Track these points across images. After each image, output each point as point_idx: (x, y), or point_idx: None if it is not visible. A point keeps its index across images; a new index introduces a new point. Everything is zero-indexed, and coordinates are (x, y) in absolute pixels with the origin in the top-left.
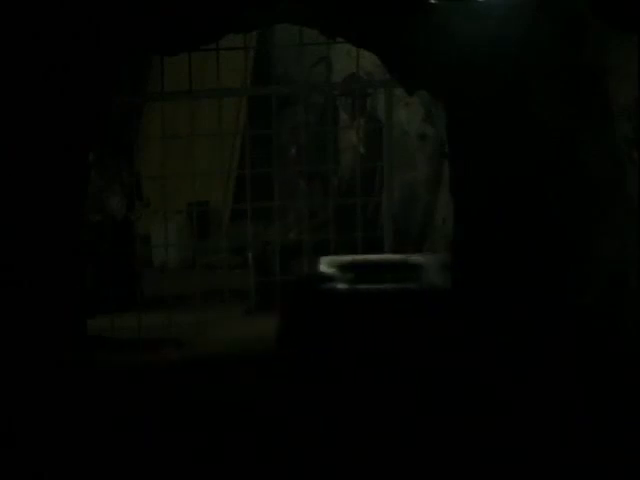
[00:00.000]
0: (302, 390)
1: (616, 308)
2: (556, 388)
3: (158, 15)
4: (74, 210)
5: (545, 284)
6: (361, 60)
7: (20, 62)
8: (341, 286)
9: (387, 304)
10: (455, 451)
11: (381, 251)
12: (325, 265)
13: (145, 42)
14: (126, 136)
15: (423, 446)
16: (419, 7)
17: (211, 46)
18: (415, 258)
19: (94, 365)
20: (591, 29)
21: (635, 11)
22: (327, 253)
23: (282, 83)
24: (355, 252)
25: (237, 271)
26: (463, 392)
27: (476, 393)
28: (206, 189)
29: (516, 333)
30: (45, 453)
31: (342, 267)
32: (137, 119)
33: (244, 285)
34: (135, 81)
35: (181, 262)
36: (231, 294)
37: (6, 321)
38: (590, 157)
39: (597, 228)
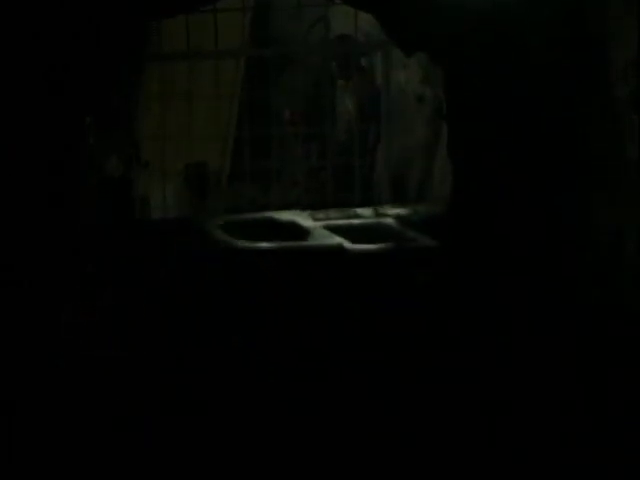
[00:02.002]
0: None
1: (616, 293)
2: (554, 378)
3: None
4: (73, 174)
5: (543, 269)
6: (359, 20)
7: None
8: None
9: None
10: None
11: None
12: None
13: (143, 4)
14: (125, 98)
15: None
16: None
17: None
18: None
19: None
20: None
21: None
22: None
23: (280, 44)
24: None
25: None
26: None
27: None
28: (204, 151)
29: (507, 319)
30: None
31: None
32: (136, 81)
33: None
34: (133, 43)
35: None
36: None
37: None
38: (591, 133)
39: (597, 214)
